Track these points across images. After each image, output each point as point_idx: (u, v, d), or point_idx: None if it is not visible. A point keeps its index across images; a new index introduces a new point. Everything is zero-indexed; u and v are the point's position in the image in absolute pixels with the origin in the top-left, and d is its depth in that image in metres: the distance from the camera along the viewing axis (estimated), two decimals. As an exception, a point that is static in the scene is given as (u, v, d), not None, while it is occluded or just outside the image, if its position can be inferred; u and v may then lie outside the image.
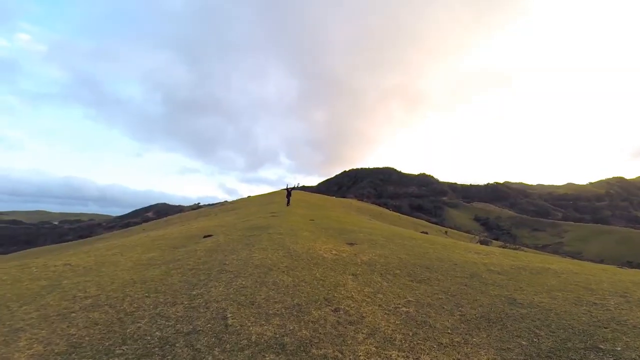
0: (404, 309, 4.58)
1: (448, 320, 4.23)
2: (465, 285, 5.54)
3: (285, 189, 25.44)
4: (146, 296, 4.82)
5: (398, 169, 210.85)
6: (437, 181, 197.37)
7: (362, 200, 71.21)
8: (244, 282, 5.21)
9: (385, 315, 4.33)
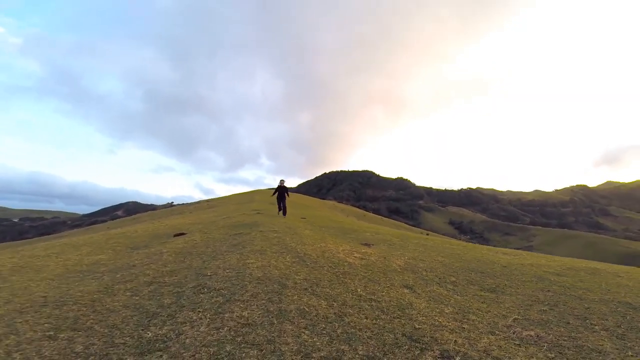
0: (527, 332, 2.98)
1: (607, 343, 2.80)
2: (548, 290, 4.30)
3: (276, 189, 14.75)
4: (48, 337, 2.58)
5: (377, 172, 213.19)
6: (414, 185, 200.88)
7: (341, 203, 69.92)
8: (244, 314, 2.98)
9: (522, 349, 2.65)
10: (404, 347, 2.54)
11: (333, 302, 3.38)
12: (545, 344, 2.75)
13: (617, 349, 2.71)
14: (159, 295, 3.55)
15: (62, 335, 2.67)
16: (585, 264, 6.42)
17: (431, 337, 2.75)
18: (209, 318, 2.87)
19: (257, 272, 4.08)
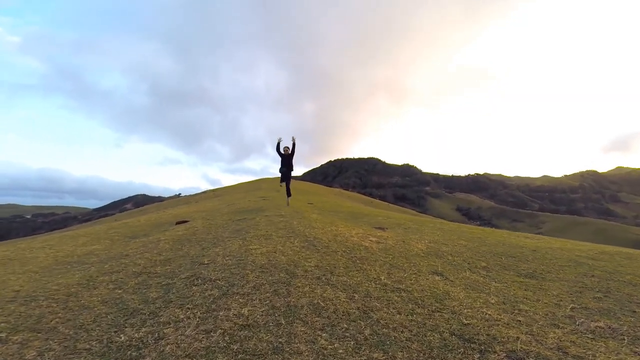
0: (594, 324, 2.46)
1: None
2: (592, 276, 3.82)
3: (282, 154, 9.64)
4: None
5: (382, 159, 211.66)
6: (420, 172, 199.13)
7: (348, 190, 69.30)
8: (244, 311, 2.39)
9: (601, 344, 2.08)
10: (458, 351, 1.94)
11: (354, 294, 2.77)
12: (625, 337, 2.23)
13: None
14: (146, 287, 3.01)
15: (16, 337, 2.13)
16: (617, 249, 5.97)
17: (487, 335, 2.16)
18: (199, 317, 2.30)
19: (261, 259, 3.50)
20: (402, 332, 2.17)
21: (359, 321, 2.29)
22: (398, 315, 2.42)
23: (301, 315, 2.33)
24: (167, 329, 2.18)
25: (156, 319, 2.34)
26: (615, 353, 2.02)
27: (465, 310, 2.58)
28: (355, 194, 49.79)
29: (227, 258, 3.63)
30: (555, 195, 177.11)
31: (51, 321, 2.42)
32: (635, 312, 2.73)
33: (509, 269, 4.15)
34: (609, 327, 2.40)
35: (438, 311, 2.55)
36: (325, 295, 2.70)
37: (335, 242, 4.64)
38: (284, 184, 9.75)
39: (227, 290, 2.74)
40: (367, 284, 3.02)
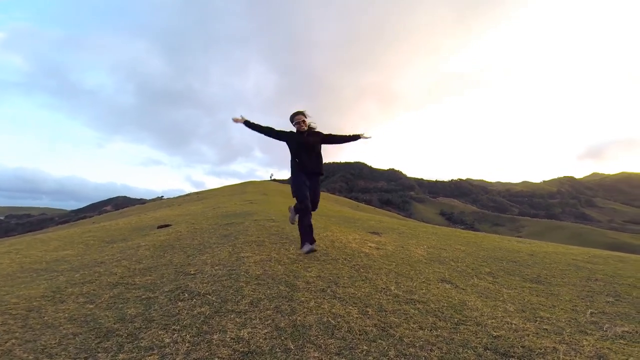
0: (621, 329, 2.33)
1: None
2: (596, 279, 3.74)
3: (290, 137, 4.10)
4: None
5: (369, 163, 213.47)
6: (405, 176, 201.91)
7: (334, 194, 69.22)
8: (243, 334, 2.00)
9: (638, 349, 1.84)
10: None
11: (366, 308, 2.43)
12: None
13: None
14: (123, 302, 2.60)
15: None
16: (609, 253, 6.07)
17: (523, 347, 1.93)
18: (189, 341, 1.92)
19: (256, 269, 3.13)
20: (431, 350, 1.88)
21: (379, 341, 1.97)
22: (421, 331, 2.12)
23: (311, 337, 1.97)
24: (149, 356, 1.80)
25: (136, 342, 1.96)
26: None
27: (490, 321, 2.34)
28: (342, 198, 49.67)
29: (217, 267, 3.25)
30: (535, 200, 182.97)
31: (6, 342, 2.00)
32: None
33: (513, 274, 4.01)
34: (636, 332, 2.26)
35: (462, 323, 2.28)
36: (334, 311, 2.36)
37: (333, 248, 4.34)
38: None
39: (220, 307, 2.35)
40: (377, 296, 2.71)
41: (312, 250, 3.89)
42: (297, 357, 1.78)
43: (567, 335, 2.16)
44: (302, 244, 4.01)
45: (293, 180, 4.16)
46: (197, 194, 38.58)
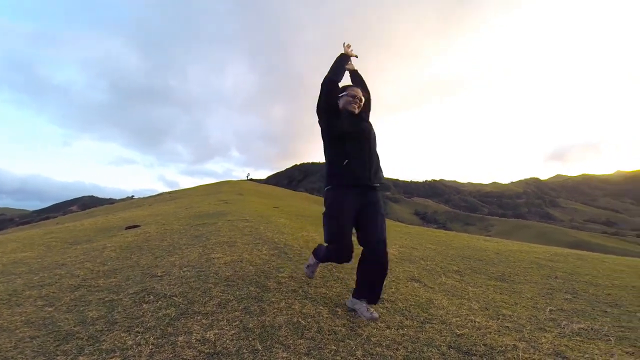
0: (577, 325, 2.38)
1: None
2: (556, 277, 3.98)
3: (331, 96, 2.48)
4: None
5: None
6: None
7: (313, 194, 69.12)
8: (209, 335, 1.96)
9: (593, 346, 2.01)
10: None
11: (336, 308, 2.48)
12: (611, 338, 2.23)
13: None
14: (84, 304, 2.50)
15: None
16: (569, 251, 6.40)
17: (484, 345, 2.02)
18: (153, 343, 1.87)
19: (226, 270, 3.08)
20: (397, 350, 1.93)
21: (347, 340, 2.01)
22: (388, 330, 2.18)
23: (280, 338, 1.97)
24: (111, 359, 1.75)
25: (97, 345, 1.89)
26: (609, 355, 2.00)
27: (454, 319, 2.44)
28: (321, 198, 49.70)
29: (185, 269, 3.18)
30: (503, 200, 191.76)
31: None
32: (606, 312, 2.80)
33: (479, 273, 4.20)
34: (592, 329, 2.41)
35: (428, 322, 2.37)
36: (305, 311, 2.37)
37: (307, 248, 4.35)
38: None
39: (187, 309, 2.30)
40: (348, 296, 2.75)
41: (373, 318, 2.31)
42: (265, 357, 1.78)
43: (527, 333, 2.28)
44: (357, 296, 2.48)
45: (330, 202, 2.44)
46: (170, 194, 37.39)
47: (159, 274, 3.07)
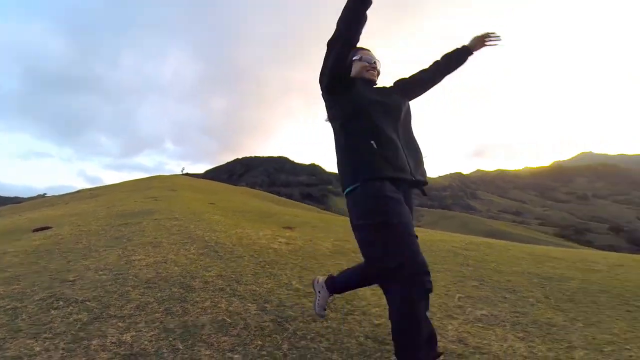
0: (480, 312, 2.61)
1: (552, 315, 2.45)
2: (467, 265, 4.15)
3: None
4: None
5: (292, 158, 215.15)
6: (324, 171, 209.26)
7: (255, 188, 67.64)
8: (126, 338, 1.95)
9: (491, 332, 2.17)
10: (375, 355, 1.96)
11: (265, 304, 2.55)
12: (506, 323, 2.50)
13: (565, 320, 2.62)
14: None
15: None
16: (482, 240, 6.84)
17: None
18: (63, 348, 1.80)
19: (147, 272, 3.00)
20: (320, 342, 2.07)
21: (274, 335, 2.09)
22: (314, 324, 2.32)
23: (203, 336, 1.99)
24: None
25: (0, 353, 1.80)
26: (504, 340, 2.23)
27: (374, 310, 2.63)
28: (262, 193, 48.78)
29: (101, 272, 3.01)
30: (432, 193, 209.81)
31: None
32: (506, 297, 3.06)
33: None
34: (492, 315, 2.63)
35: (350, 313, 2.54)
36: (231, 309, 2.41)
37: (240, 245, 4.36)
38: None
39: (101, 313, 2.22)
40: (279, 291, 2.85)
41: (321, 316, 2.32)
42: (187, 356, 1.80)
43: (437, 320, 2.45)
44: (331, 290, 2.25)
45: (373, 204, 1.63)
46: (91, 191, 33.45)
47: (70, 279, 2.89)
